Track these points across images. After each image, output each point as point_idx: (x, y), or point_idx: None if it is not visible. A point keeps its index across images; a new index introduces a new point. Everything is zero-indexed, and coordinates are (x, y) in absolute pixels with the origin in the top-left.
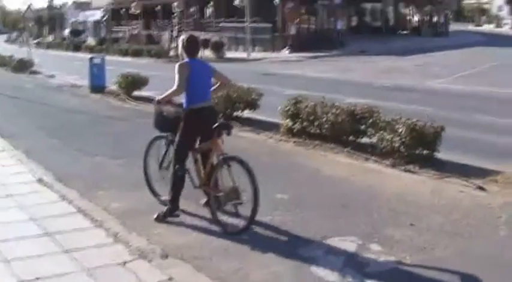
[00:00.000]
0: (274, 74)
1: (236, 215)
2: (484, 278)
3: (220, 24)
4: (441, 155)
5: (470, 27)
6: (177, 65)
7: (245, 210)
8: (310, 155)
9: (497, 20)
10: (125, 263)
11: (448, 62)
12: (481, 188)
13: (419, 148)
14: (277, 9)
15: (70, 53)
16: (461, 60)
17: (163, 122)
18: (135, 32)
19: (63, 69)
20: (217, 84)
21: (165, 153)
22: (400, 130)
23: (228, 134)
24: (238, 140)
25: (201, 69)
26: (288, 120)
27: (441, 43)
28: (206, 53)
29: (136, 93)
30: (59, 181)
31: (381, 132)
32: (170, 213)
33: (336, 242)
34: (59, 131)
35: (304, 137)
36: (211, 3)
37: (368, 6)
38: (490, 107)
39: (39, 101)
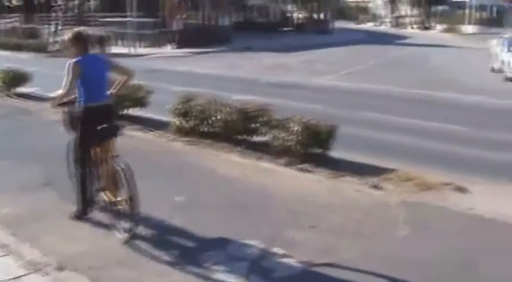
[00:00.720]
0: (161, 70)
1: (131, 219)
2: (391, 279)
3: (105, 19)
4: (334, 153)
5: (352, 25)
6: (66, 65)
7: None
8: (203, 154)
9: (378, 19)
10: (17, 278)
11: (333, 59)
12: (376, 187)
13: (313, 147)
14: (162, 4)
15: None
16: (345, 57)
17: (73, 123)
18: (15, 25)
19: None
20: (123, 79)
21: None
22: (294, 129)
23: (115, 135)
24: (127, 139)
25: (96, 66)
26: (178, 118)
27: (325, 40)
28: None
29: (18, 89)
30: None
31: (274, 130)
32: (78, 215)
33: (238, 246)
34: None
35: (196, 136)
36: None
37: (254, 2)
38: (377, 104)
39: None
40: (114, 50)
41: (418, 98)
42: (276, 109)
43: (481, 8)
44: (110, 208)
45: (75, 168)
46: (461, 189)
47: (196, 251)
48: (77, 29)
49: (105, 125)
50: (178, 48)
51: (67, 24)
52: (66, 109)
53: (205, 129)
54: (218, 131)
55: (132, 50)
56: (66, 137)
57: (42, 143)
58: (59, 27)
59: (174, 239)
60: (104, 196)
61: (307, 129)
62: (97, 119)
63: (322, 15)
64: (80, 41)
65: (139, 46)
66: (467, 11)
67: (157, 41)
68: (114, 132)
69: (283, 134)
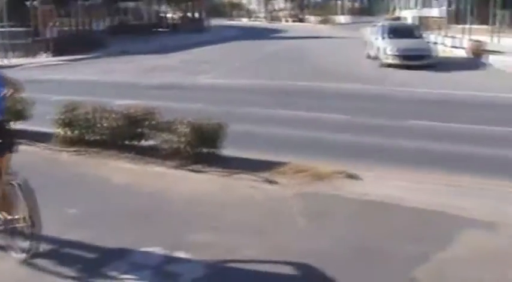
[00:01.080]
0: (37, 80)
1: (27, 237)
2: (294, 272)
3: None
4: (224, 151)
5: (227, 21)
6: None
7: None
8: (91, 163)
9: (253, 14)
10: None
11: (210, 57)
12: (270, 182)
13: (202, 147)
14: (33, 13)
15: None
16: (222, 55)
17: None
18: None
19: None
20: (11, 92)
21: None
22: (182, 130)
23: (11, 151)
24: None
25: None
26: (62, 129)
27: (201, 39)
28: None
29: None
30: None
31: (162, 133)
32: None
33: (140, 254)
34: None
35: (82, 145)
36: None
37: (128, 5)
38: (257, 99)
39: None
40: None
41: (298, 90)
42: (160, 111)
43: None
44: (4, 227)
45: None
46: (353, 177)
47: (99, 263)
48: None
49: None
50: (53, 56)
51: None
52: None
53: (91, 137)
54: (105, 138)
55: (5, 61)
56: None
57: None
58: None
59: (74, 253)
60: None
61: (194, 130)
62: None
63: (197, 14)
64: None
65: (12, 56)
66: (339, 1)
67: (31, 50)
68: (9, 148)
69: (171, 137)
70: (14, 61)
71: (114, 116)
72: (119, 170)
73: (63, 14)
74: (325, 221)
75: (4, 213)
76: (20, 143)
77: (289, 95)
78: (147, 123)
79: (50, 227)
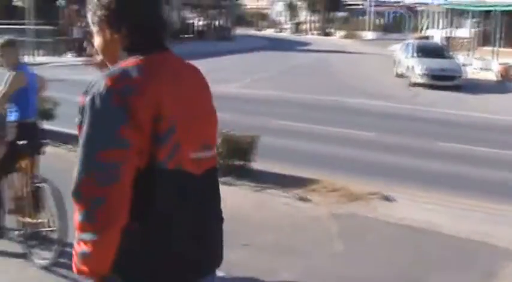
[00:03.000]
0: (63, 79)
1: (49, 244)
2: None
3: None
4: (254, 164)
5: (253, 31)
6: (11, 74)
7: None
8: None
9: (278, 25)
10: None
11: (236, 66)
12: (303, 199)
13: (234, 159)
14: (62, 12)
15: None
16: (249, 64)
17: None
18: None
19: None
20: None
21: None
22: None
23: (39, 153)
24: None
25: (33, 78)
26: None
27: (227, 47)
28: None
29: None
30: None
31: None
32: None
33: None
34: None
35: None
36: None
37: None
38: (285, 112)
39: None
40: None
41: (326, 105)
42: None
43: (379, 14)
44: (27, 232)
45: None
46: (387, 199)
47: None
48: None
49: (26, 142)
50: (78, 56)
51: None
52: None
53: None
54: None
55: (32, 59)
56: None
57: None
58: None
59: None
60: (20, 219)
61: (227, 141)
62: (27, 136)
63: (222, 22)
64: (12, 48)
65: (39, 54)
66: (366, 17)
67: (57, 49)
68: (38, 149)
69: None
70: (39, 59)
71: None
72: None
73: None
74: (363, 245)
75: (26, 218)
76: (47, 144)
77: (317, 109)
78: None
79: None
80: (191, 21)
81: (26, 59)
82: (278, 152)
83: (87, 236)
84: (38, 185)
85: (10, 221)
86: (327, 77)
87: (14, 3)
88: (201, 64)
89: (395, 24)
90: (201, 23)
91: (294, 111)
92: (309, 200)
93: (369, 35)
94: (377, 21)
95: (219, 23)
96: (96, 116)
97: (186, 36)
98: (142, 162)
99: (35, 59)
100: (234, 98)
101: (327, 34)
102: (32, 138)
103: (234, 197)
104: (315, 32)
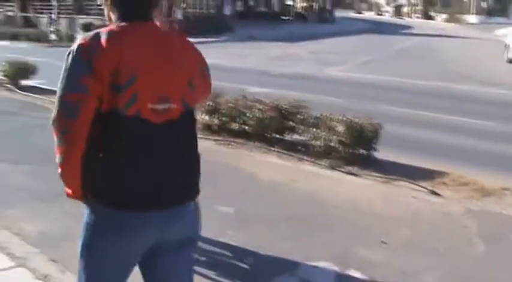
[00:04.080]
0: None
1: None
2: None
3: (102, 7)
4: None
5: (352, 14)
6: None
7: None
8: (236, 155)
9: (377, 8)
10: None
11: (340, 49)
12: (434, 193)
13: (357, 147)
14: None
15: None
16: (352, 47)
17: None
18: (11, 13)
19: None
20: None
21: None
22: (338, 128)
23: None
24: None
25: None
26: (205, 115)
27: (329, 30)
28: None
29: (23, 82)
30: None
31: (313, 129)
32: None
33: (308, 269)
34: None
35: (225, 134)
36: None
37: None
38: (397, 97)
39: None
40: None
41: (438, 91)
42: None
43: None
44: None
45: None
46: None
47: (262, 274)
48: None
49: None
50: None
51: (64, 13)
52: None
53: (236, 127)
54: (249, 129)
55: None
56: None
57: None
58: (53, 17)
59: (231, 261)
60: None
61: (351, 128)
62: None
63: (322, 4)
64: None
65: None
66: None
67: None
68: None
69: (323, 133)
70: None
71: (262, 107)
72: (268, 164)
73: None
74: (506, 246)
75: None
76: None
77: (429, 95)
78: (298, 116)
79: (205, 228)
80: (291, 3)
81: None
82: (396, 140)
83: (58, 159)
84: None
85: None
86: (433, 62)
87: None
88: (302, 46)
89: (501, 7)
90: (299, 5)
91: (403, 97)
92: (439, 194)
93: (472, 18)
94: (481, 3)
95: (318, 5)
96: (68, 65)
97: (285, 18)
98: (104, 107)
99: None
100: (340, 81)
101: (429, 17)
102: None
103: (362, 189)
104: (417, 15)
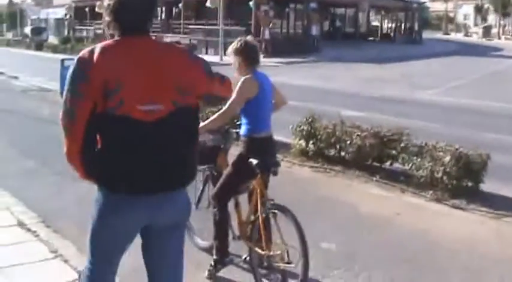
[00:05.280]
0: None
1: (282, 277)
2: None
3: (190, 26)
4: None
5: (439, 35)
6: (242, 81)
7: (292, 270)
8: (335, 184)
9: (465, 29)
10: None
11: (431, 71)
12: None
13: (464, 179)
14: (252, 12)
15: (31, 52)
16: (444, 70)
17: (199, 153)
18: (100, 31)
19: (27, 70)
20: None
21: (202, 191)
22: (444, 158)
23: (275, 173)
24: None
25: (267, 87)
26: (301, 140)
27: (417, 51)
28: None
29: None
30: (44, 224)
31: (416, 158)
32: (220, 266)
33: None
34: (34, 149)
35: (321, 161)
36: (181, 3)
37: (341, 11)
38: (501, 124)
39: (5, 109)
40: (203, 57)
41: None
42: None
43: None
44: (256, 261)
45: (213, 210)
46: None
47: None
48: (243, 37)
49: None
50: (265, 57)
51: (152, 32)
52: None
53: (333, 153)
54: (348, 156)
55: (222, 59)
56: None
57: None
58: None
59: None
60: (251, 246)
61: (456, 158)
62: (259, 153)
63: (410, 25)
64: (252, 51)
65: (225, 55)
66: None
67: None
68: (275, 167)
69: (429, 164)
70: (226, 59)
71: (360, 133)
72: (370, 196)
73: (275, 16)
74: None
75: (257, 248)
76: (280, 165)
77: None
78: (401, 145)
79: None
80: (376, 23)
81: (216, 58)
82: (503, 172)
83: (64, 150)
84: (273, 211)
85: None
86: None
87: (206, 5)
88: (392, 68)
89: None
90: (386, 25)
91: (504, 123)
92: None
93: None
94: None
95: (405, 25)
96: (70, 74)
97: (372, 39)
98: (99, 109)
99: (223, 59)
100: (435, 105)
101: None
102: (265, 155)
103: (472, 226)
104: (506, 36)
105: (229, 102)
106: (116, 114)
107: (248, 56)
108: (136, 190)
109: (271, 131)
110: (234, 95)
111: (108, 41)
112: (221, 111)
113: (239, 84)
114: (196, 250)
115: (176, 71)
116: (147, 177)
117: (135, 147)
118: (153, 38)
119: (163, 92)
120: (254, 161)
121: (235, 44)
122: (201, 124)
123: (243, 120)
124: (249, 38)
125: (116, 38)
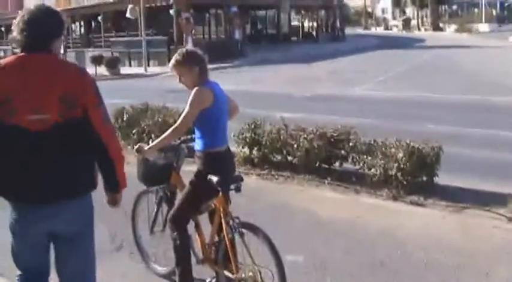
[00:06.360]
0: (180, 90)
1: None
2: None
3: (111, 39)
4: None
5: (360, 30)
6: (194, 91)
7: None
8: (286, 191)
9: (385, 23)
10: None
11: (358, 67)
12: None
13: (417, 174)
14: (173, 21)
15: None
16: (370, 64)
17: (150, 173)
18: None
19: None
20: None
21: (156, 214)
22: (398, 155)
23: (238, 189)
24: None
25: (221, 97)
26: (244, 148)
27: (341, 48)
28: (100, 70)
29: None
30: None
31: (366, 157)
32: None
33: None
34: None
35: (268, 168)
36: (100, 16)
37: (261, 13)
38: (433, 114)
39: None
40: (127, 70)
41: (474, 105)
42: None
43: (490, 5)
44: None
45: (171, 234)
46: None
47: None
48: (183, 48)
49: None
50: None
51: (72, 47)
52: (146, 155)
53: (279, 159)
54: (296, 160)
55: (143, 70)
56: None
57: None
58: (61, 51)
59: None
60: (217, 270)
61: (411, 154)
62: (219, 169)
63: (332, 23)
64: (203, 61)
65: (151, 65)
66: (477, 9)
67: (168, 59)
68: (238, 183)
69: (380, 161)
70: (153, 70)
71: (307, 136)
72: (323, 200)
73: (197, 23)
74: None
75: (225, 271)
76: (243, 179)
77: (467, 110)
78: (348, 143)
79: None
80: (299, 24)
81: (140, 70)
82: (453, 163)
83: None
84: (240, 230)
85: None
86: (457, 74)
87: (126, 16)
88: (319, 67)
89: (510, 14)
90: (307, 24)
91: (441, 113)
92: None
93: (484, 27)
94: (490, 12)
95: (327, 23)
96: None
97: (295, 39)
98: None
99: (147, 70)
100: (369, 101)
101: (440, 29)
102: (225, 170)
103: (432, 221)
104: (425, 27)
105: (182, 115)
106: (4, 124)
107: (196, 65)
108: (29, 200)
109: (228, 144)
110: (186, 108)
111: (8, 58)
112: (173, 126)
113: (192, 95)
114: (157, 277)
115: (62, 82)
116: (35, 187)
117: (21, 157)
118: (53, 55)
119: (49, 103)
120: (214, 178)
121: (178, 56)
122: (152, 143)
123: (198, 134)
124: (189, 47)
125: (19, 54)
